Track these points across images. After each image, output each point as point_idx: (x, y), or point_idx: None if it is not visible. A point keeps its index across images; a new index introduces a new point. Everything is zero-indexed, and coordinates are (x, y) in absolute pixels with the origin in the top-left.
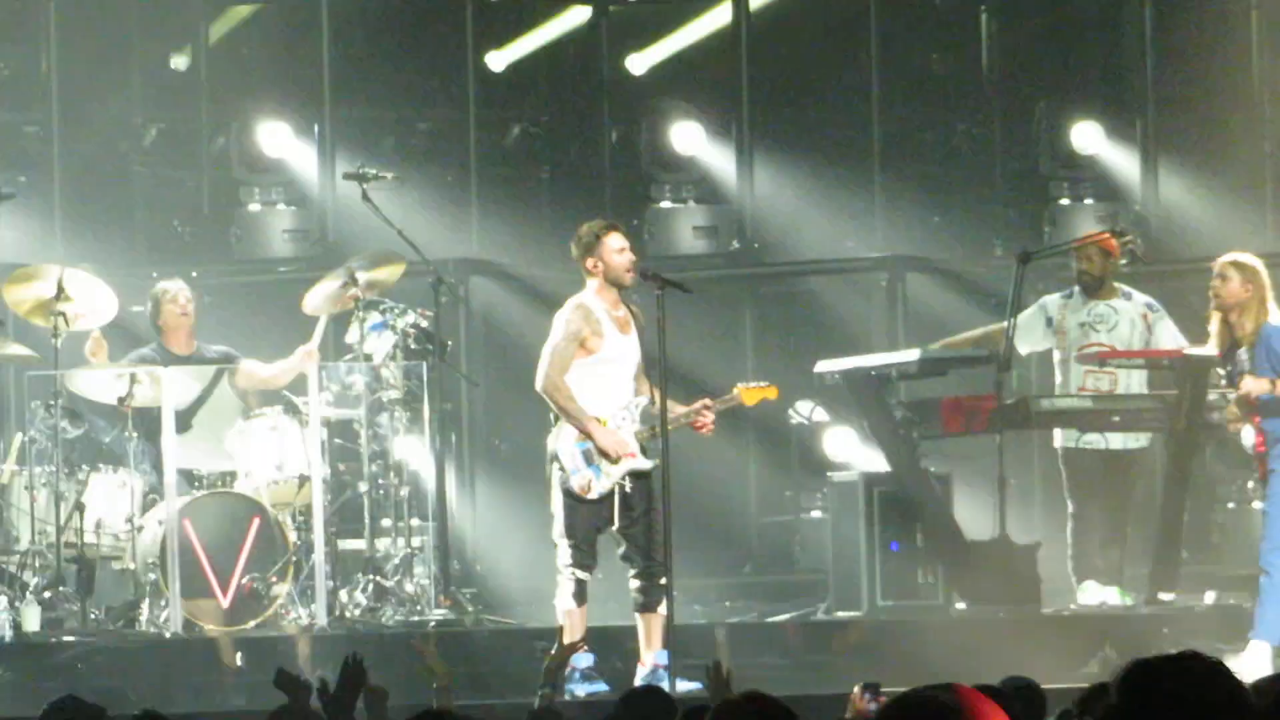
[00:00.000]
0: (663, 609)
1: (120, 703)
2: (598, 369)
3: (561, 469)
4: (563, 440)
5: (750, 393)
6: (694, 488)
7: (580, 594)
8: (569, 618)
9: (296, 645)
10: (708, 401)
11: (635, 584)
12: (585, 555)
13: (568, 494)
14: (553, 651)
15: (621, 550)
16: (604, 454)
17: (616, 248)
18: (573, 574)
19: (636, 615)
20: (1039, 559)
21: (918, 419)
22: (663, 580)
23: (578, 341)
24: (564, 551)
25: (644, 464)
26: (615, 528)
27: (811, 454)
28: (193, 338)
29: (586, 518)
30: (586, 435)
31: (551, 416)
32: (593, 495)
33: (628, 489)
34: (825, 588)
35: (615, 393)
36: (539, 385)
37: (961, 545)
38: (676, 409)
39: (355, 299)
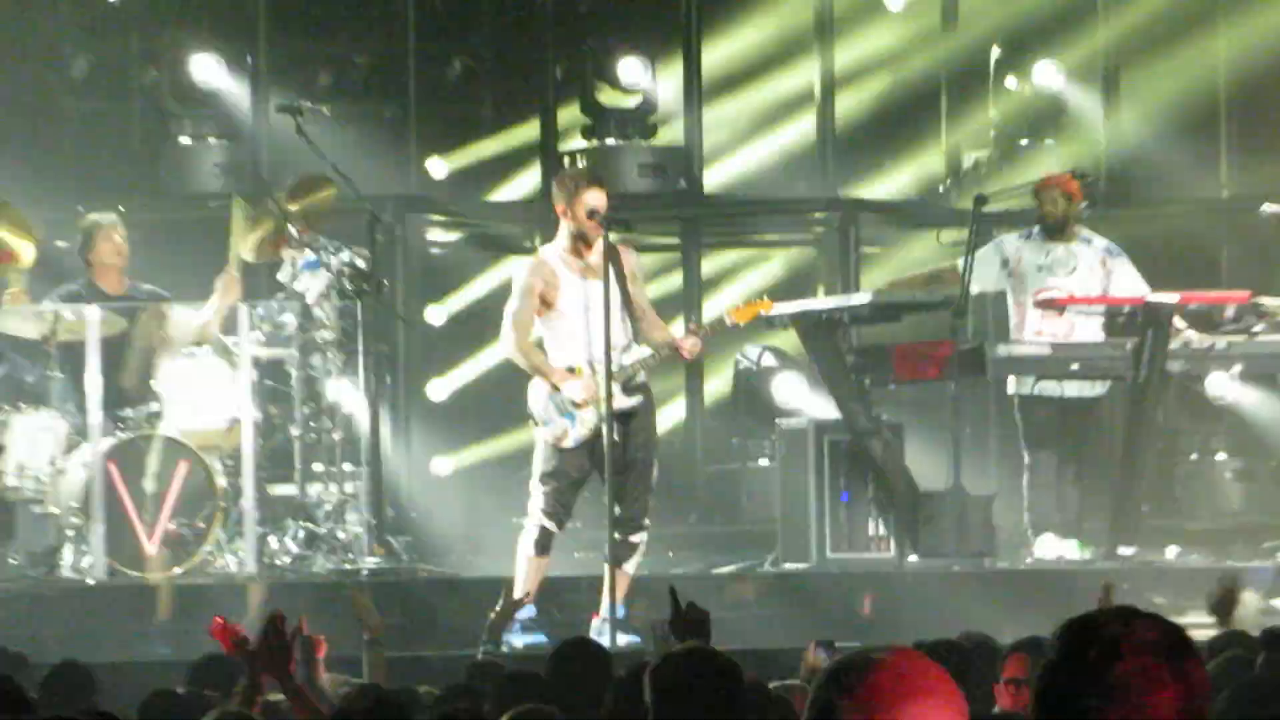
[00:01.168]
0: (630, 568)
1: (40, 651)
2: (565, 319)
3: (537, 423)
4: (536, 391)
5: (742, 311)
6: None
7: (544, 544)
8: (528, 565)
9: (223, 593)
10: (693, 326)
11: (611, 536)
12: (558, 506)
13: (544, 443)
14: (498, 607)
15: (607, 499)
16: (573, 400)
17: (589, 208)
18: (541, 522)
19: (606, 569)
20: (994, 510)
21: (870, 365)
22: (636, 538)
23: (534, 297)
24: (537, 497)
25: (623, 404)
26: (609, 475)
27: (759, 400)
28: (124, 276)
29: (564, 468)
30: (554, 387)
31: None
32: (568, 444)
33: (616, 436)
34: (773, 539)
35: (586, 340)
36: (501, 350)
37: (914, 496)
38: (664, 338)
39: (290, 239)
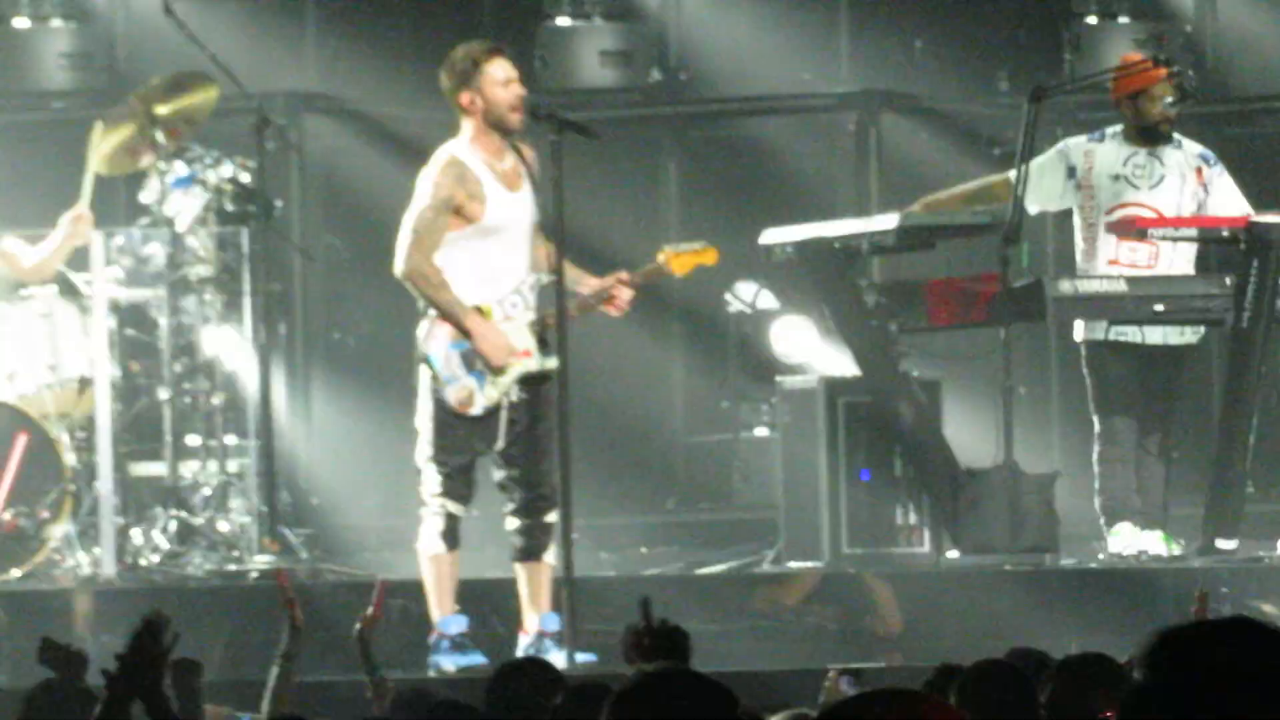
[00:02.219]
0: (551, 557)
1: None
2: (480, 242)
3: (434, 376)
4: (434, 338)
5: (680, 258)
6: (600, 396)
7: (451, 534)
8: (435, 565)
9: (74, 601)
10: (623, 275)
11: (514, 523)
12: (460, 483)
13: (440, 406)
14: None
15: (498, 477)
16: (486, 359)
17: (501, 79)
18: (442, 507)
19: (516, 567)
20: (1056, 494)
21: (896, 306)
22: (551, 518)
23: (450, 209)
24: (431, 478)
25: (540, 364)
26: (500, 447)
27: (755, 352)
28: None
29: (464, 437)
30: (464, 334)
31: (419, 304)
32: (474, 410)
33: (514, 398)
34: (774, 530)
35: (503, 271)
36: (398, 270)
37: (954, 475)
38: (582, 283)
39: (156, 147)
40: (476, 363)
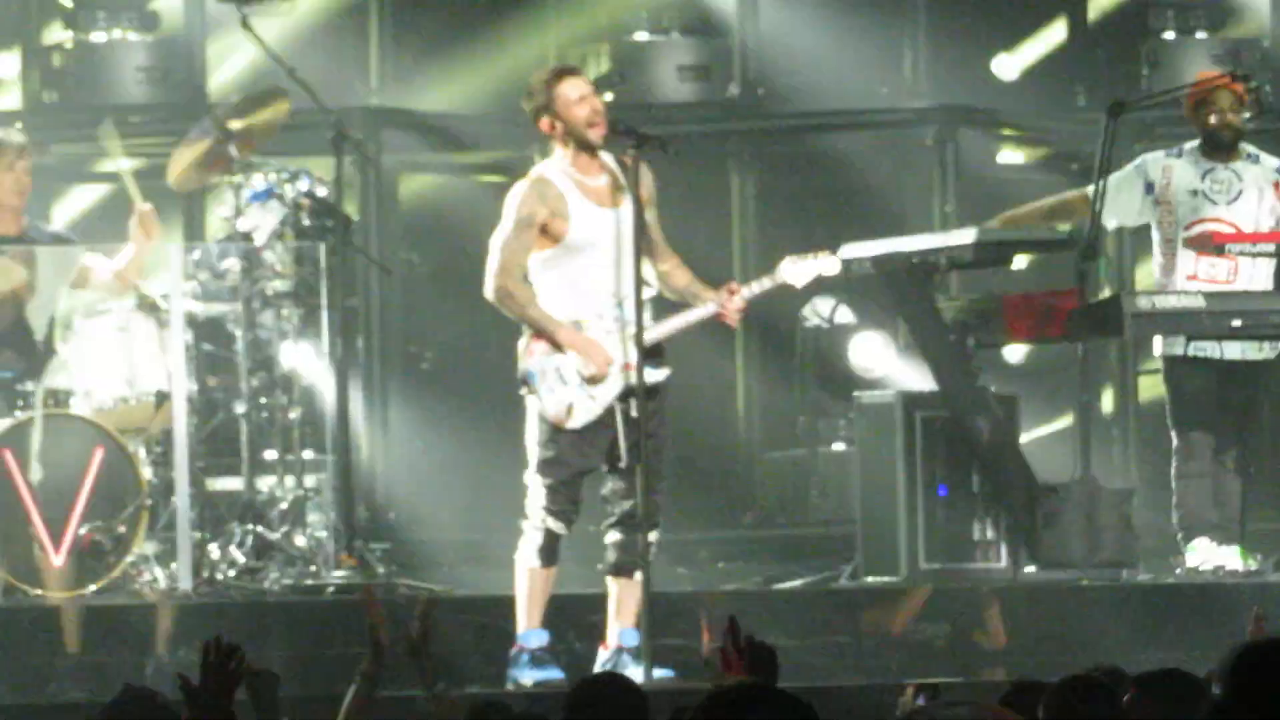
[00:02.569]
0: (639, 576)
1: None
2: (570, 259)
3: (534, 392)
4: (531, 353)
5: (799, 270)
6: (677, 412)
7: (549, 551)
8: (530, 579)
9: (151, 617)
10: (733, 286)
11: (613, 537)
12: (563, 500)
13: (543, 421)
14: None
15: (604, 489)
16: (581, 368)
17: (574, 97)
18: (543, 522)
19: (607, 580)
20: (1133, 509)
21: (974, 322)
22: (650, 537)
23: (534, 227)
24: (535, 493)
25: (650, 376)
26: (624, 464)
27: (833, 368)
28: (21, 213)
29: (569, 453)
30: (557, 347)
31: (522, 326)
32: (574, 423)
33: (633, 412)
34: (851, 545)
35: (597, 286)
36: (487, 292)
37: (1032, 490)
38: (699, 296)
39: (228, 160)
40: (573, 375)
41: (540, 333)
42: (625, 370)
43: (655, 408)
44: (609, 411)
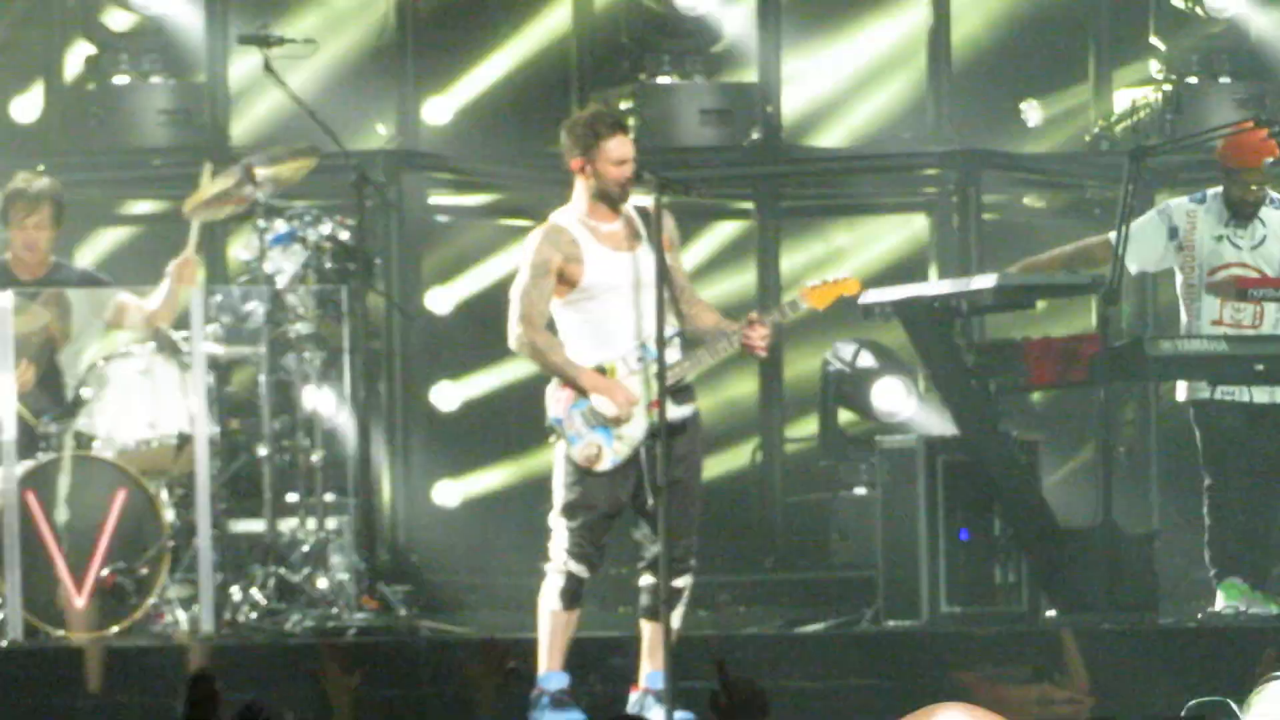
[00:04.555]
0: (675, 620)
1: None
2: (590, 304)
3: (561, 437)
4: (557, 400)
5: (820, 292)
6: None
7: (572, 595)
8: (552, 621)
9: (172, 659)
10: (752, 315)
11: (646, 580)
12: (586, 544)
13: (570, 466)
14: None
15: (636, 534)
16: (604, 412)
17: (616, 157)
18: (566, 565)
19: (641, 623)
20: (1155, 553)
21: (996, 365)
22: (680, 582)
23: (549, 274)
24: (560, 535)
25: (674, 413)
26: (650, 504)
27: (854, 412)
28: (47, 257)
29: (595, 496)
30: (580, 392)
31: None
32: (603, 466)
33: (645, 453)
34: (872, 589)
35: (619, 329)
36: (511, 342)
37: (1053, 534)
38: (711, 322)
39: (251, 201)
40: (600, 418)
41: (564, 379)
42: (651, 409)
43: (685, 449)
44: (637, 453)
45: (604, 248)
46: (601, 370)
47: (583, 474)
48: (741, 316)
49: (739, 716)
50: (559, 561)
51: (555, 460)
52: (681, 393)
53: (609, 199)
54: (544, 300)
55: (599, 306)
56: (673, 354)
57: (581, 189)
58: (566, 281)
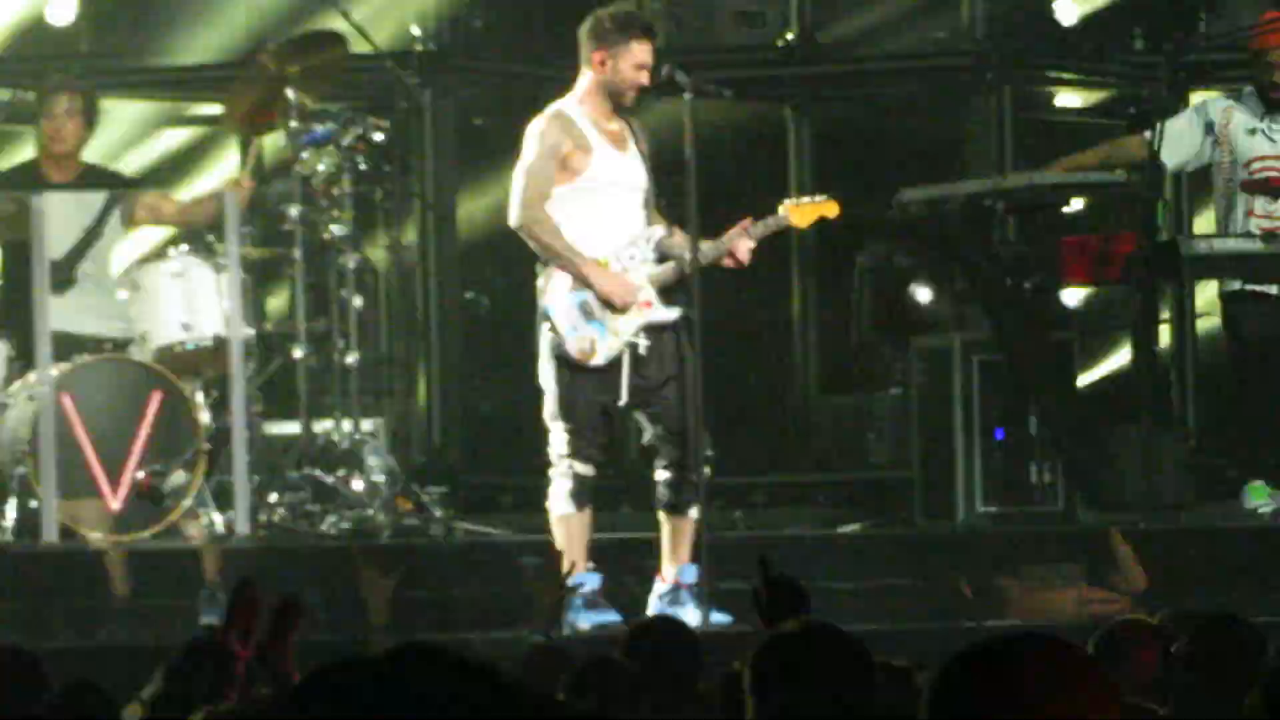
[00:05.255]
0: (695, 512)
1: None
2: (590, 195)
3: (554, 329)
4: (554, 291)
5: (802, 210)
6: (729, 355)
7: (580, 494)
8: (565, 526)
9: (204, 559)
10: (746, 223)
11: (662, 476)
12: (588, 442)
13: (563, 361)
14: (535, 578)
15: (646, 437)
16: (607, 304)
17: (638, 60)
18: (570, 467)
19: (660, 516)
20: (1191, 451)
21: (1031, 265)
22: (697, 476)
23: (556, 159)
24: (558, 438)
25: (663, 314)
26: (623, 401)
27: (891, 310)
28: (75, 163)
29: (589, 392)
30: (582, 281)
31: (538, 262)
32: (597, 360)
33: (642, 350)
34: (909, 489)
35: (616, 224)
36: (513, 219)
37: (1090, 433)
38: (703, 244)
39: (286, 105)
40: (596, 311)
41: (564, 265)
42: (643, 308)
43: (675, 347)
44: (623, 349)
45: (606, 143)
46: (596, 263)
47: (574, 371)
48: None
49: (783, 613)
50: (563, 465)
51: (541, 357)
52: (669, 294)
53: (617, 100)
54: (549, 183)
55: (597, 200)
56: (652, 254)
57: (591, 82)
58: (570, 169)
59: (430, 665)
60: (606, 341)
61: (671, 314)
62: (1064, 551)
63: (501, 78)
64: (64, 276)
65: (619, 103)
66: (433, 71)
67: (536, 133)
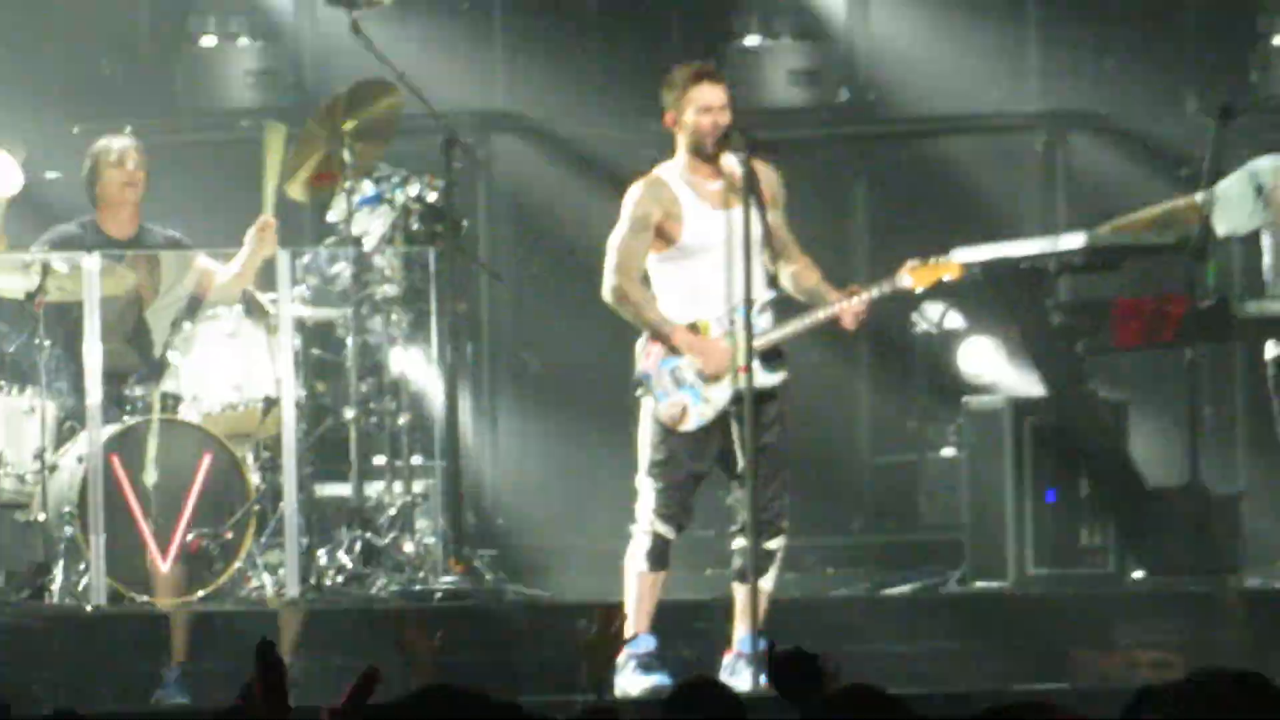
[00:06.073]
0: (768, 583)
1: (25, 699)
2: (686, 261)
3: (648, 393)
4: (648, 355)
5: (924, 272)
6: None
7: (658, 556)
8: (639, 583)
9: (281, 624)
10: (855, 288)
11: (738, 544)
12: (673, 505)
13: (656, 424)
14: (592, 632)
15: (729, 499)
16: (698, 371)
17: (703, 104)
18: (653, 526)
19: (734, 585)
20: (1241, 514)
21: (1083, 327)
22: (773, 544)
23: (648, 229)
24: (645, 497)
25: (762, 380)
26: (738, 470)
27: (942, 373)
28: (137, 216)
29: (681, 456)
30: (673, 349)
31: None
32: (688, 426)
33: (733, 416)
34: (959, 551)
35: (714, 288)
36: (605, 293)
37: (1140, 495)
38: (827, 297)
39: (337, 168)
40: (688, 378)
41: (656, 335)
42: (740, 374)
43: (775, 413)
44: (722, 416)
45: (704, 205)
46: (694, 329)
47: (668, 433)
48: (837, 285)
49: (797, 687)
50: (645, 522)
51: (641, 419)
52: (773, 359)
53: (702, 151)
54: (641, 254)
55: (695, 264)
56: (765, 319)
57: (680, 145)
58: (664, 237)
59: (452, 704)
60: (699, 408)
61: (772, 379)
62: (1114, 614)
63: (554, 137)
64: (117, 333)
65: (706, 155)
66: (486, 131)
67: (631, 202)
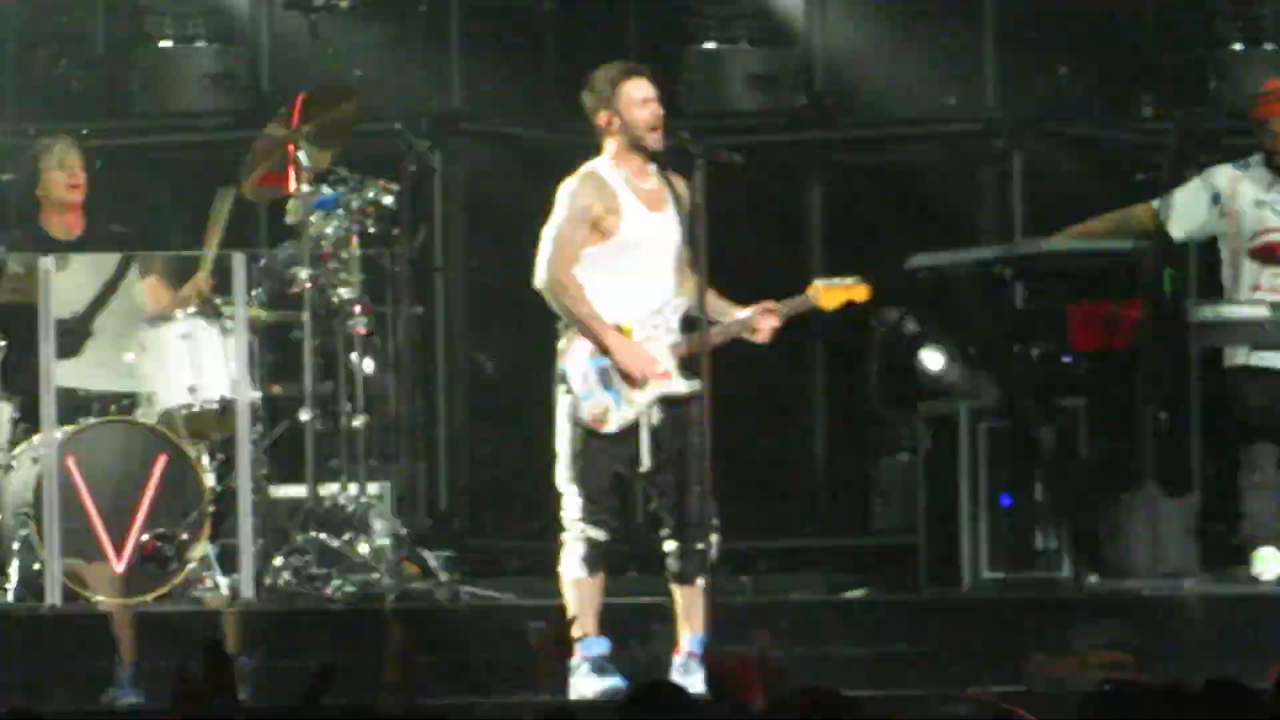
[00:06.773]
0: (702, 581)
1: None
2: (617, 258)
3: (570, 393)
4: (573, 355)
5: (831, 292)
6: (740, 422)
7: (592, 559)
8: (577, 590)
9: (222, 624)
10: (770, 304)
11: (669, 547)
12: (600, 508)
13: (578, 425)
14: (541, 642)
15: (651, 507)
16: (625, 375)
17: (639, 98)
18: (583, 532)
19: (672, 587)
20: (1195, 519)
21: (1039, 332)
22: (702, 545)
23: (587, 222)
24: (572, 502)
25: (680, 386)
26: (645, 468)
27: (898, 377)
28: (83, 216)
29: (603, 458)
30: (602, 349)
31: (559, 324)
32: (610, 428)
33: (655, 421)
34: (914, 555)
35: (643, 291)
36: (538, 281)
37: (1095, 500)
38: (727, 313)
39: (292, 170)
40: (613, 380)
41: (585, 331)
42: (661, 379)
43: (695, 415)
44: (642, 419)
45: (640, 204)
46: (619, 330)
47: (587, 436)
48: (775, 294)
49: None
50: (575, 530)
51: (558, 418)
52: (690, 365)
53: (641, 148)
54: (578, 245)
55: (626, 263)
56: (676, 323)
57: (611, 146)
58: (601, 231)
59: None
60: (621, 410)
61: (689, 386)
62: (1069, 617)
63: (511, 140)
64: (80, 333)
65: (645, 150)
66: (442, 135)
67: (568, 194)
